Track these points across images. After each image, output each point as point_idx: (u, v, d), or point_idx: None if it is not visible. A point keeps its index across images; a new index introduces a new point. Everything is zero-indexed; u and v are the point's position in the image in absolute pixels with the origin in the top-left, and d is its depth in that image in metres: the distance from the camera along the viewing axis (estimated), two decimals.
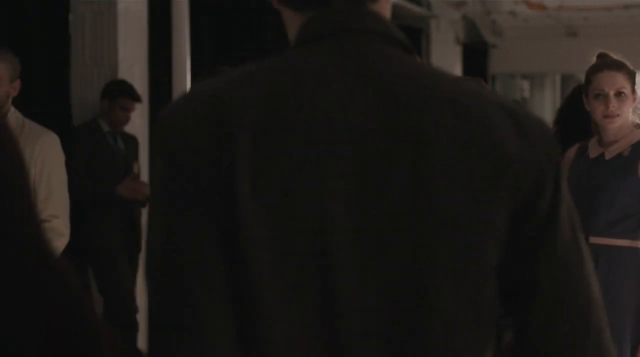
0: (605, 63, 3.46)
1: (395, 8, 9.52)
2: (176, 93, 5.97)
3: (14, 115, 3.59)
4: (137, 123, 5.53)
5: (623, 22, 10.20)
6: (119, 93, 5.21)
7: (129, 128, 5.38)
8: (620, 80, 3.39)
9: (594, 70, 3.46)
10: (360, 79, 1.10)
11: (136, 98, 5.26)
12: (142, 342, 5.18)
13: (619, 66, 3.43)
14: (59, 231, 3.54)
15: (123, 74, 5.43)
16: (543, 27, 11.17)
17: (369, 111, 1.08)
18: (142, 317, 5.33)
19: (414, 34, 10.34)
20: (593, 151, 3.51)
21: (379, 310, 1.06)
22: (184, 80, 5.98)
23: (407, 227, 1.07)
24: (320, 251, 1.04)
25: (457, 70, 10.52)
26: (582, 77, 3.99)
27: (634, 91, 3.43)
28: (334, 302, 1.04)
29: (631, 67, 3.46)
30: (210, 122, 1.05)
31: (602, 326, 1.15)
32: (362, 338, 1.05)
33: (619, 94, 3.39)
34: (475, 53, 11.53)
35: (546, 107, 15.45)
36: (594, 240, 3.42)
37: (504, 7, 10.63)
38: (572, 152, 3.64)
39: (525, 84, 13.52)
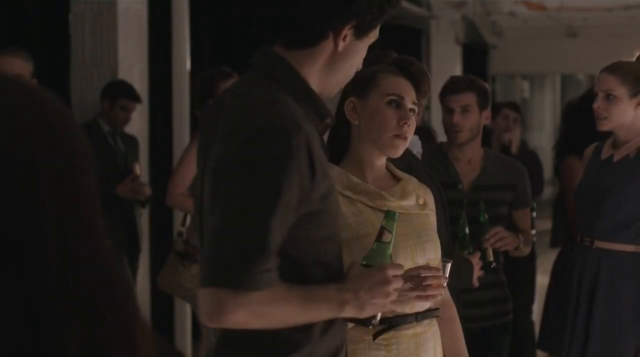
0: (606, 66, 3.43)
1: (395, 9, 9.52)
2: (176, 93, 5.98)
3: None
4: (137, 123, 5.53)
5: (623, 23, 10.20)
6: (119, 93, 5.21)
7: (129, 128, 5.38)
8: (609, 82, 3.34)
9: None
10: (229, 98, 1.90)
11: (136, 98, 5.26)
12: None
13: (613, 69, 3.37)
14: None
15: (123, 74, 5.44)
16: (543, 28, 11.17)
17: (218, 118, 1.86)
18: None
19: (414, 35, 10.35)
20: (605, 152, 3.47)
21: None
22: (184, 80, 5.98)
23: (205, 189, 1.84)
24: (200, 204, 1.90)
25: (457, 70, 10.53)
26: (582, 78, 4.00)
27: (634, 95, 3.34)
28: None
29: (635, 72, 3.36)
30: None
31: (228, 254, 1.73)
32: None
33: (607, 96, 3.34)
34: (475, 53, 11.53)
35: (546, 107, 15.46)
36: (599, 244, 3.40)
37: (504, 8, 10.64)
38: (589, 151, 3.60)
39: (525, 85, 13.54)
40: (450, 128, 3.59)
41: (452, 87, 3.60)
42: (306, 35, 1.88)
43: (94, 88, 5.36)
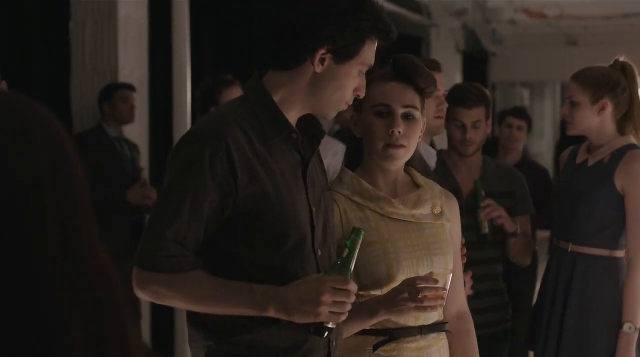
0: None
1: (395, 17, 9.55)
2: (176, 100, 5.99)
3: None
4: (138, 131, 5.53)
5: (622, 31, 10.22)
6: (114, 88, 5.24)
7: (130, 135, 5.39)
8: (572, 88, 3.43)
9: None
10: None
11: (131, 87, 5.29)
12: None
13: (576, 75, 3.45)
14: None
15: (123, 80, 5.44)
16: (543, 36, 11.19)
17: None
18: (145, 324, 5.34)
19: (414, 43, 10.36)
20: (580, 156, 3.52)
21: None
22: (184, 87, 5.99)
23: None
24: None
25: (457, 78, 10.54)
26: None
27: (595, 101, 3.38)
28: None
29: (596, 78, 3.40)
30: None
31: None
32: None
33: (571, 102, 3.43)
34: (475, 61, 11.54)
35: (546, 115, 15.46)
36: (574, 248, 3.43)
37: (504, 16, 10.65)
38: (565, 154, 3.65)
39: (525, 92, 13.54)
40: (461, 143, 3.56)
41: (464, 103, 3.53)
42: (283, 58, 2.08)
43: (94, 95, 5.37)
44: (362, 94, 2.14)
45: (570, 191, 3.46)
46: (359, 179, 2.37)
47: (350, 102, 2.15)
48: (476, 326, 3.53)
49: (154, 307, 5.60)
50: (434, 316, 2.36)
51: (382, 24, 2.11)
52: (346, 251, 2.04)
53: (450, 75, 10.30)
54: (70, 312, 0.83)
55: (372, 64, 2.14)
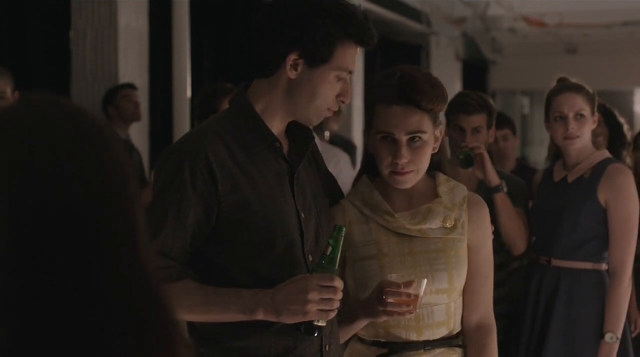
0: (565, 86, 3.47)
1: (395, 25, 9.56)
2: (176, 109, 5.99)
3: None
4: (138, 139, 5.53)
5: (622, 39, 10.22)
6: (115, 90, 5.26)
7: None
8: (580, 102, 3.39)
9: (553, 93, 3.46)
10: None
11: (133, 86, 5.29)
12: None
13: (577, 88, 3.43)
14: None
15: None
16: (542, 44, 11.21)
17: None
18: None
19: (413, 51, 10.37)
20: (557, 174, 3.54)
21: None
22: (184, 95, 5.99)
23: None
24: None
25: (457, 86, 10.55)
26: None
27: (593, 113, 3.42)
28: None
29: (590, 90, 3.46)
30: None
31: None
32: None
33: (578, 116, 3.40)
34: (475, 70, 11.56)
35: None
36: (557, 262, 3.45)
37: (504, 24, 10.67)
38: (539, 175, 3.70)
39: (525, 101, 13.55)
40: (459, 148, 3.57)
41: (465, 109, 3.56)
42: (260, 66, 2.09)
43: (94, 104, 5.37)
44: (346, 100, 2.10)
45: (551, 208, 3.49)
46: (373, 189, 2.33)
47: (335, 108, 2.12)
48: None
49: None
50: (442, 331, 2.30)
51: (356, 28, 2.05)
52: (330, 248, 2.03)
53: (450, 83, 10.31)
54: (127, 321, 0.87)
55: (352, 69, 2.09)
